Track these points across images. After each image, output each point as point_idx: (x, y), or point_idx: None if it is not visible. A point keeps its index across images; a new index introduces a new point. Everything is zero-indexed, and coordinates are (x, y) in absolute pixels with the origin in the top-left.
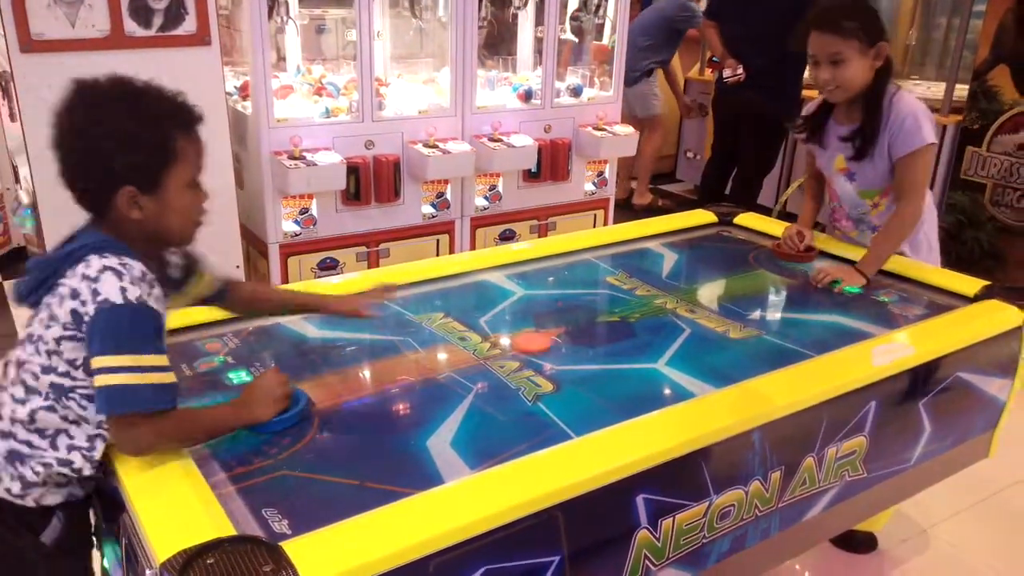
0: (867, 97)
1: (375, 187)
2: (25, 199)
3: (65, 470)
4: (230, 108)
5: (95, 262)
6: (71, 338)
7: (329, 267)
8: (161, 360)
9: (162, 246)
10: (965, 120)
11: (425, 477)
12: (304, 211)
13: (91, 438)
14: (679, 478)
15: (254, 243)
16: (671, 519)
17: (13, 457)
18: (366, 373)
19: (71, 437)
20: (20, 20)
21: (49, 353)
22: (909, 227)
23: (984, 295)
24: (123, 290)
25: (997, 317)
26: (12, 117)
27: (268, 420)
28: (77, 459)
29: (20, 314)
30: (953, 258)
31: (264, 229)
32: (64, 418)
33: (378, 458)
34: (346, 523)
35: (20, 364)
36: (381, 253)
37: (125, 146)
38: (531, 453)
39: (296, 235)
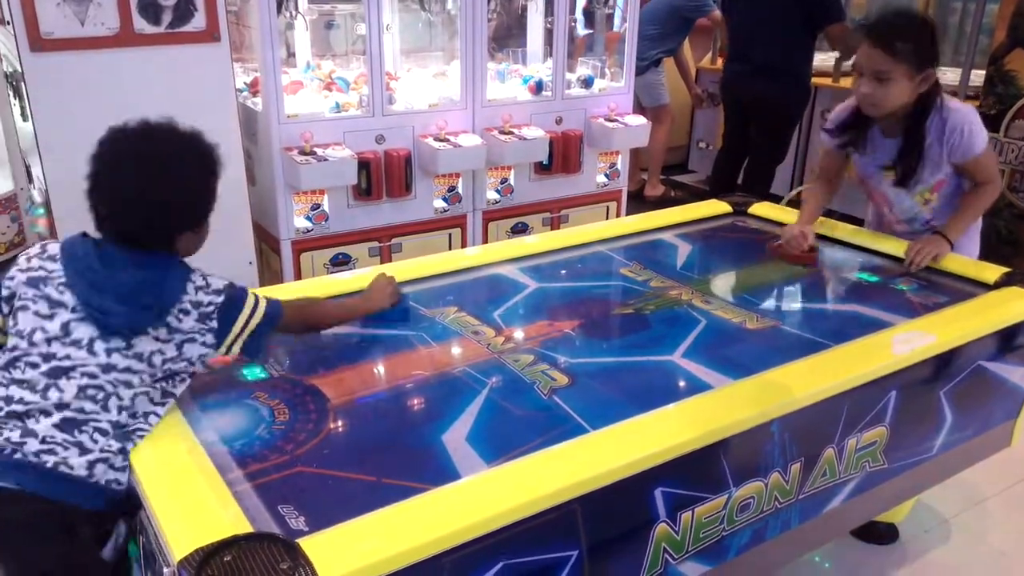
0: (907, 120)
1: (386, 182)
2: (38, 198)
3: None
4: (240, 105)
5: (197, 278)
6: (191, 340)
7: (341, 263)
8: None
9: None
10: (981, 105)
11: (441, 472)
12: (316, 207)
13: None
14: (698, 471)
15: (266, 240)
16: (690, 512)
17: (121, 437)
18: (380, 368)
19: (158, 415)
20: (30, 19)
21: (166, 360)
22: (993, 199)
23: (1005, 282)
24: (219, 276)
25: (1018, 305)
26: (24, 116)
27: (390, 308)
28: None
29: None
30: None
31: (276, 225)
32: (154, 402)
33: (394, 454)
34: (363, 519)
35: (112, 379)
36: (393, 248)
37: (190, 202)
38: (548, 447)
39: (308, 231)
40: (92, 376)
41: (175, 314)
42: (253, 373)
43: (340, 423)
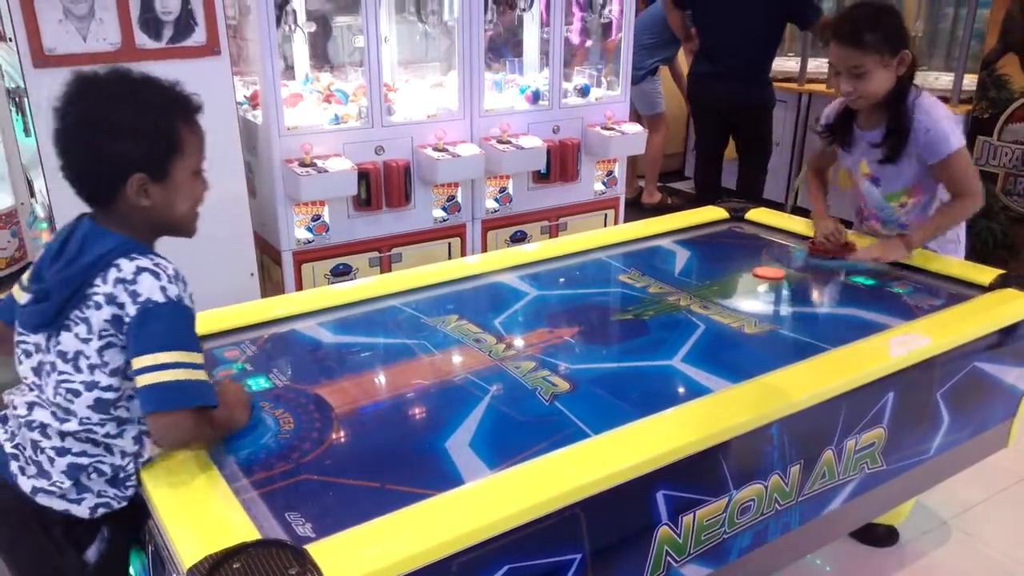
0: (889, 103)
1: (386, 192)
2: (41, 212)
3: (120, 474)
4: (240, 117)
5: (127, 265)
6: (110, 345)
7: (342, 273)
8: (201, 358)
9: (165, 235)
10: (975, 110)
11: (445, 478)
12: (316, 218)
13: (136, 439)
14: (698, 474)
15: (267, 251)
16: (691, 515)
17: (73, 471)
18: (383, 377)
19: (119, 445)
20: (33, 35)
21: (92, 367)
22: (968, 213)
23: (999, 284)
24: (163, 289)
25: (1013, 306)
26: (27, 132)
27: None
28: (130, 464)
29: None
30: (966, 249)
31: (277, 237)
32: (108, 435)
33: (398, 460)
34: (369, 525)
35: (57, 384)
36: (393, 258)
37: (134, 135)
38: (550, 452)
39: (309, 242)
40: (44, 373)
41: (90, 305)
42: (258, 384)
43: (344, 431)
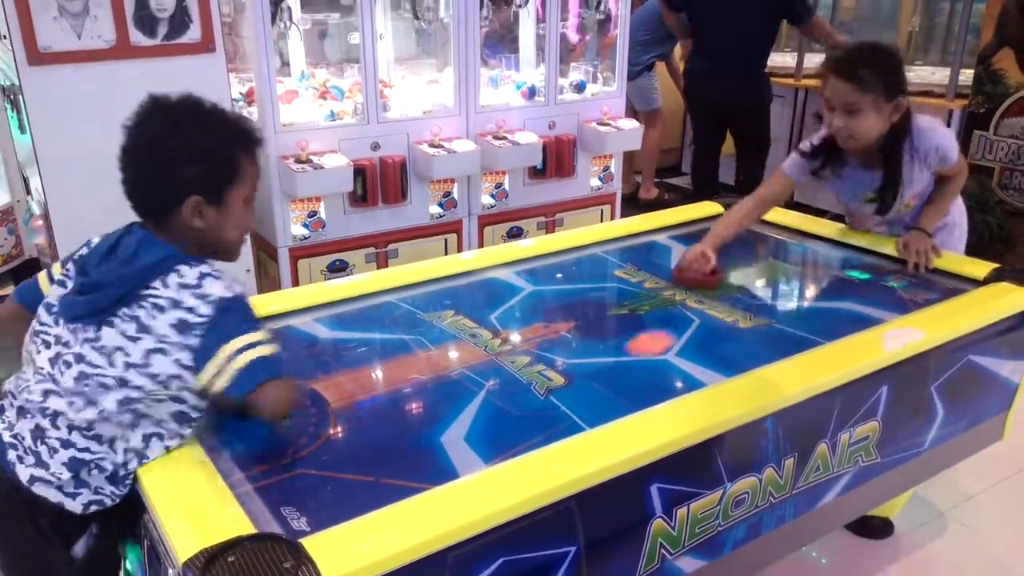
0: (884, 150)
1: (382, 188)
2: (36, 210)
3: (121, 472)
4: None
5: (189, 272)
6: (162, 352)
7: (339, 269)
8: None
9: (209, 256)
10: (971, 104)
11: (440, 472)
12: (312, 214)
13: (146, 437)
14: (693, 467)
15: (263, 247)
16: (686, 507)
17: (74, 464)
18: (379, 372)
19: (127, 441)
20: (27, 33)
21: (128, 365)
22: (960, 186)
23: (994, 278)
24: (229, 287)
25: (1007, 299)
26: (22, 129)
27: None
28: (133, 462)
29: None
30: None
31: (273, 233)
32: (119, 424)
33: (393, 455)
34: (364, 519)
35: (81, 376)
36: (390, 254)
37: (198, 158)
38: (545, 446)
39: (305, 238)
40: (62, 364)
41: (144, 306)
42: None
43: (341, 426)
